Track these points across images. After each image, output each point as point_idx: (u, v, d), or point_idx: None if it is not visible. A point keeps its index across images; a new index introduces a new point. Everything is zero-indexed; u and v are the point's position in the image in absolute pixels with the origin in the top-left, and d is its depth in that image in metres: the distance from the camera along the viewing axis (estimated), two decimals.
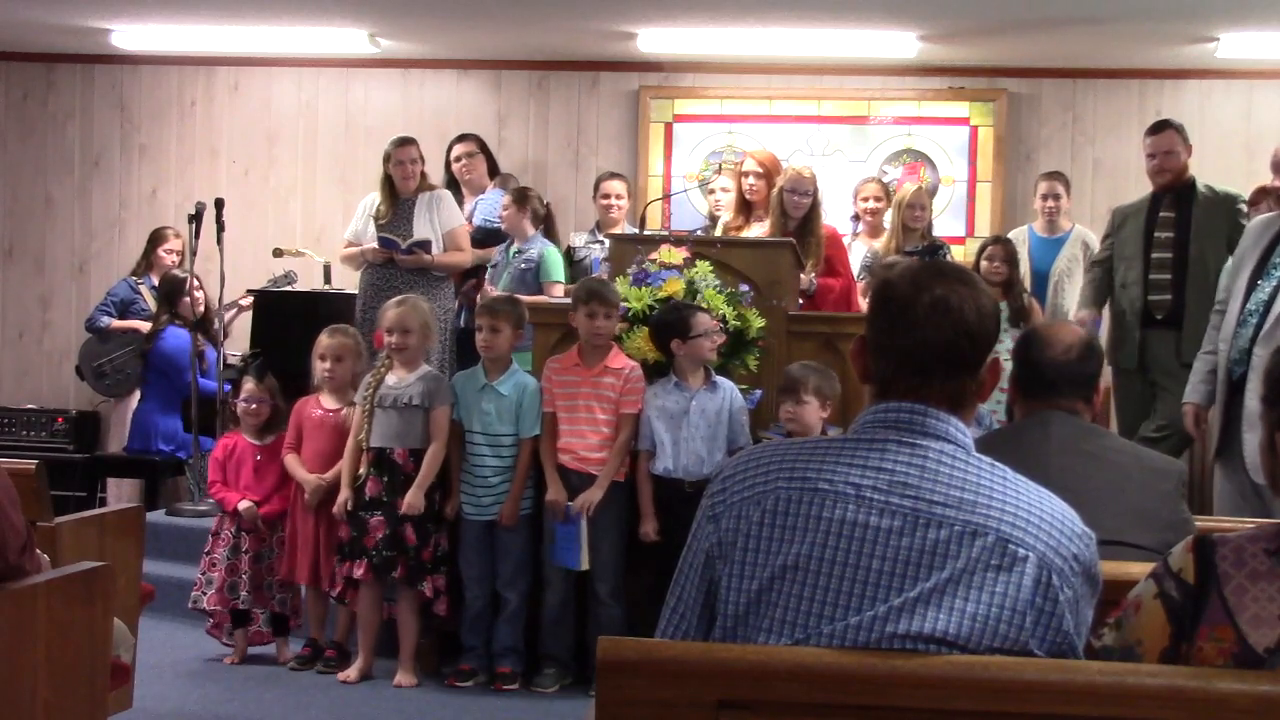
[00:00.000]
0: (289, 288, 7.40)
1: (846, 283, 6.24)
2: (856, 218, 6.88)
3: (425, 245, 6.48)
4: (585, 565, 4.94)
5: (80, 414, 8.01)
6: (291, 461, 5.26)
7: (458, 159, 7.22)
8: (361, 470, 5.07)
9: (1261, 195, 5.92)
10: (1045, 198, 7.00)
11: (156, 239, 7.71)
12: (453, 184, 7.19)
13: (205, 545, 5.31)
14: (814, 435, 4.58)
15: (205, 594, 5.20)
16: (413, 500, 4.98)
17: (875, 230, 6.80)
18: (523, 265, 6.48)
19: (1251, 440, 4.60)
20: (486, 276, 6.64)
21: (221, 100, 8.49)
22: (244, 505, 5.24)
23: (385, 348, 5.19)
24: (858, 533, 1.76)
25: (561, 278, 6.46)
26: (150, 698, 4.40)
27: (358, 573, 5.00)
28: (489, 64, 8.22)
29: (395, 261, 6.45)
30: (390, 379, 5.12)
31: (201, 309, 7.01)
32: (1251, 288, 4.68)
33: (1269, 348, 4.59)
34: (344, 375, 5.29)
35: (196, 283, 6.96)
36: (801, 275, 5.86)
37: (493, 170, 7.36)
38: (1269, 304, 4.59)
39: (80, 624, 2.84)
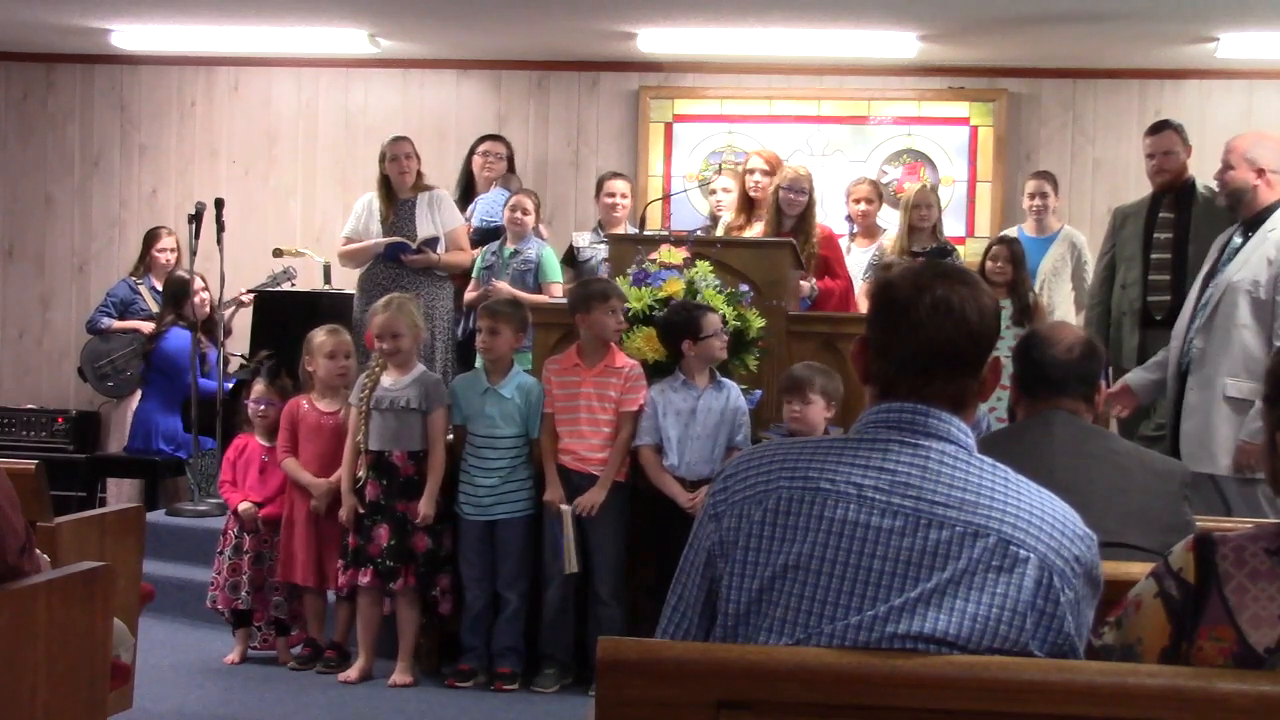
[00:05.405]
0: (289, 286, 7.39)
1: (844, 284, 6.24)
2: (850, 219, 6.87)
3: (433, 243, 6.53)
4: (572, 568, 4.91)
5: (80, 414, 8.02)
6: (292, 466, 5.21)
7: (486, 154, 7.18)
8: (360, 473, 5.05)
9: None
10: (1032, 196, 6.99)
11: (151, 239, 7.74)
12: (468, 179, 7.19)
13: (218, 544, 5.32)
14: (817, 435, 4.58)
15: (220, 593, 5.22)
16: (426, 511, 4.97)
17: (869, 231, 6.78)
18: (522, 266, 6.49)
19: (1190, 429, 4.60)
20: (477, 278, 6.62)
21: (221, 100, 8.49)
22: (244, 506, 5.24)
23: (376, 351, 5.14)
24: (859, 533, 1.76)
25: (560, 277, 6.49)
26: (150, 698, 4.40)
27: (363, 580, 4.99)
28: (489, 64, 8.22)
29: (402, 261, 6.46)
30: (385, 381, 5.09)
31: (207, 310, 7.01)
32: (1204, 289, 4.74)
33: (1205, 337, 4.63)
34: (353, 374, 5.27)
35: (202, 283, 6.96)
36: (802, 283, 5.87)
37: None
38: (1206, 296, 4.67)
39: (80, 624, 2.84)
